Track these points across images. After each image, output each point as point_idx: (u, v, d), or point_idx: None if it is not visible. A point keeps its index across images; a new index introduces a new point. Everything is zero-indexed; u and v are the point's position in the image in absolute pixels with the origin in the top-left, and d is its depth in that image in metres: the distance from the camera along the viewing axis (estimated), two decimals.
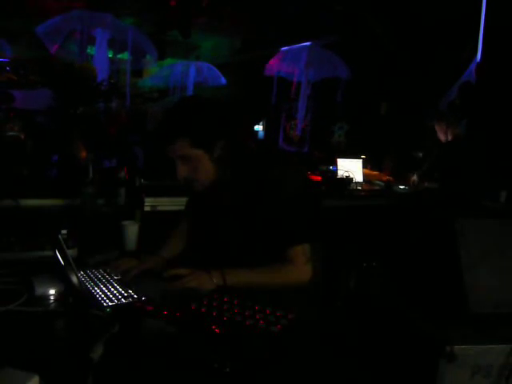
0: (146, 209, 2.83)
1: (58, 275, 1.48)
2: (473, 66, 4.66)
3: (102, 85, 3.48)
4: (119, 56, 5.19)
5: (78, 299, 1.39)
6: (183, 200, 2.02)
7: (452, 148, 4.04)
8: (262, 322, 1.30)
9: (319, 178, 4.26)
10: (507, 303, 1.60)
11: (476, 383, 1.47)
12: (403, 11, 5.21)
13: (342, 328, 1.64)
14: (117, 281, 1.61)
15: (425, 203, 3.77)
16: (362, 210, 3.63)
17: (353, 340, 1.68)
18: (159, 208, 2.93)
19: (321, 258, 1.63)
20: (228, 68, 6.61)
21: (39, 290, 1.47)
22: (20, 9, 5.28)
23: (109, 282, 1.60)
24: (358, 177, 4.44)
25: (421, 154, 4.66)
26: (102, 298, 1.44)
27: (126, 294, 1.48)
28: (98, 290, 1.51)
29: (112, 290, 1.52)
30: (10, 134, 3.07)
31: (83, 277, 1.64)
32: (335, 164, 4.50)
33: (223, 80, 6.35)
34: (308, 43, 5.65)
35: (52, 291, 1.48)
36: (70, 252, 1.68)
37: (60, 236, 1.46)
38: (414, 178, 4.24)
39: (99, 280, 1.61)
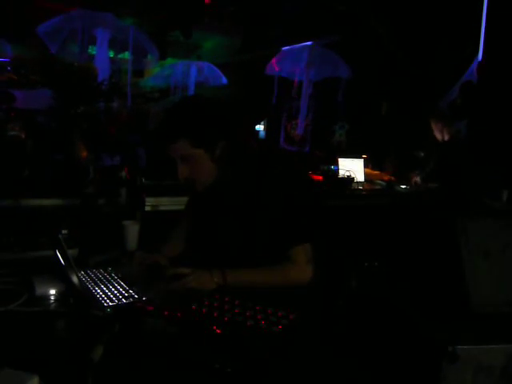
0: (147, 208, 2.83)
1: (58, 275, 1.48)
2: (474, 66, 4.65)
3: (103, 84, 3.48)
4: (120, 56, 5.18)
5: (78, 299, 1.39)
6: (184, 200, 2.01)
7: (450, 148, 4.04)
8: (263, 322, 1.29)
9: (320, 178, 4.26)
10: (509, 303, 1.60)
11: (478, 383, 1.46)
12: (404, 10, 5.20)
13: (344, 328, 1.64)
14: (117, 281, 1.60)
15: (426, 203, 3.76)
16: (364, 209, 3.62)
17: (354, 340, 1.67)
18: (160, 208, 2.93)
19: (322, 257, 1.63)
20: (229, 68, 6.60)
21: (39, 290, 1.47)
22: (21, 9, 5.28)
23: (109, 281, 1.59)
24: (360, 176, 4.43)
25: (422, 154, 4.65)
26: (103, 298, 1.44)
27: (126, 294, 1.47)
28: (99, 290, 1.51)
29: (112, 289, 1.51)
30: (11, 133, 3.07)
31: (84, 277, 1.64)
32: (336, 164, 4.49)
33: (224, 80, 6.34)
34: (309, 43, 5.65)
35: (52, 291, 1.47)
36: (71, 252, 1.67)
37: (60, 236, 1.46)
38: (417, 179, 4.23)
39: (100, 280, 1.61)
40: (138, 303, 1.42)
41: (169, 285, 1.50)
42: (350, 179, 4.23)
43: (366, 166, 4.66)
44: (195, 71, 6.25)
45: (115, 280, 1.61)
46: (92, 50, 4.88)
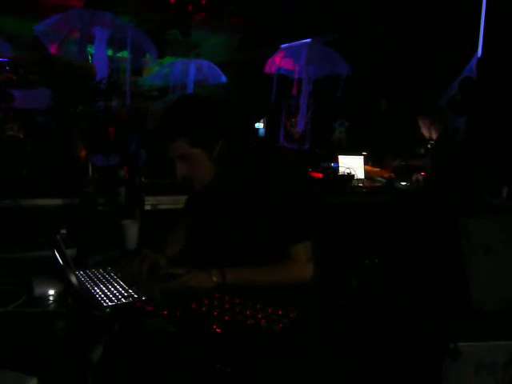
0: (147, 208, 2.82)
1: (57, 275, 1.47)
2: (473, 62, 4.64)
3: (102, 83, 3.47)
4: (119, 54, 5.17)
5: (77, 300, 1.38)
6: (183, 198, 2.01)
7: (444, 146, 4.02)
8: (263, 321, 1.29)
9: (320, 175, 4.24)
10: (511, 299, 1.59)
11: (480, 380, 1.46)
12: (404, 6, 5.18)
13: (344, 326, 1.63)
14: (117, 280, 1.60)
15: (427, 200, 3.75)
16: (364, 206, 3.61)
17: (355, 338, 1.66)
18: (159, 207, 2.92)
19: (322, 255, 1.62)
20: (228, 66, 6.59)
21: (38, 291, 1.46)
22: (19, 8, 5.27)
23: (109, 281, 1.59)
24: (360, 174, 4.42)
25: (423, 150, 4.64)
26: (102, 298, 1.43)
27: (125, 294, 1.47)
28: (98, 290, 1.50)
29: (112, 289, 1.51)
30: (10, 133, 3.06)
31: (83, 277, 1.63)
32: (336, 161, 4.48)
33: (223, 78, 6.33)
34: (308, 40, 5.63)
35: (51, 292, 1.46)
36: (69, 252, 1.67)
37: (58, 236, 1.45)
38: (419, 177, 4.21)
39: (99, 280, 1.60)
40: (138, 303, 1.41)
41: (168, 283, 1.49)
42: (349, 176, 4.22)
43: (366, 163, 4.65)
44: (194, 70, 6.24)
45: (114, 280, 1.60)
46: (90, 49, 4.87)
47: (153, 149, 3.60)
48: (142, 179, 3.01)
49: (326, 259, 1.66)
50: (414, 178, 4.26)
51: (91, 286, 1.55)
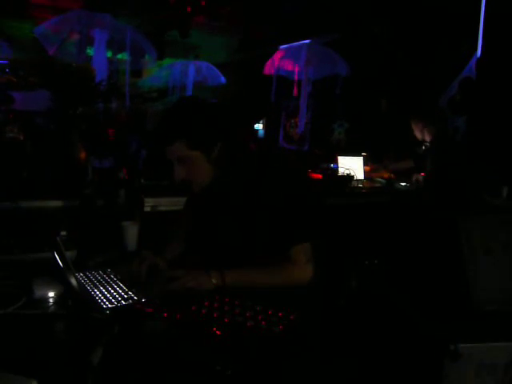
0: (146, 209, 2.82)
1: (57, 277, 1.47)
2: (473, 62, 4.65)
3: (101, 85, 3.47)
4: (118, 56, 5.17)
5: (77, 302, 1.38)
6: (183, 200, 2.01)
7: (444, 146, 4.02)
8: (263, 322, 1.28)
9: (320, 176, 4.24)
10: (511, 300, 1.59)
11: (481, 381, 1.45)
12: (403, 6, 5.19)
13: (344, 327, 1.63)
14: (116, 282, 1.60)
15: (426, 201, 3.75)
16: (364, 207, 3.62)
17: (355, 339, 1.66)
18: (159, 208, 2.92)
19: (322, 256, 1.62)
20: (227, 67, 6.60)
21: (38, 293, 1.46)
22: (19, 10, 5.27)
23: (108, 283, 1.58)
24: (359, 174, 4.42)
25: (422, 151, 4.63)
26: (102, 300, 1.43)
27: (125, 296, 1.46)
28: (98, 292, 1.50)
29: (112, 291, 1.51)
30: (10, 135, 3.06)
31: (83, 278, 1.63)
32: (336, 162, 4.48)
33: (223, 79, 6.33)
34: (307, 41, 5.63)
35: (51, 294, 1.46)
36: (69, 254, 1.66)
37: (58, 238, 1.45)
38: (419, 177, 4.21)
39: (99, 282, 1.60)
40: (138, 305, 1.41)
41: (167, 285, 1.49)
42: (349, 177, 4.22)
43: (365, 163, 4.65)
44: (193, 71, 6.24)
45: (114, 281, 1.60)
46: (90, 51, 4.87)
47: (152, 150, 3.60)
48: (142, 181, 3.01)
49: (325, 260, 1.66)
50: (414, 178, 4.26)
51: (91, 287, 1.54)
